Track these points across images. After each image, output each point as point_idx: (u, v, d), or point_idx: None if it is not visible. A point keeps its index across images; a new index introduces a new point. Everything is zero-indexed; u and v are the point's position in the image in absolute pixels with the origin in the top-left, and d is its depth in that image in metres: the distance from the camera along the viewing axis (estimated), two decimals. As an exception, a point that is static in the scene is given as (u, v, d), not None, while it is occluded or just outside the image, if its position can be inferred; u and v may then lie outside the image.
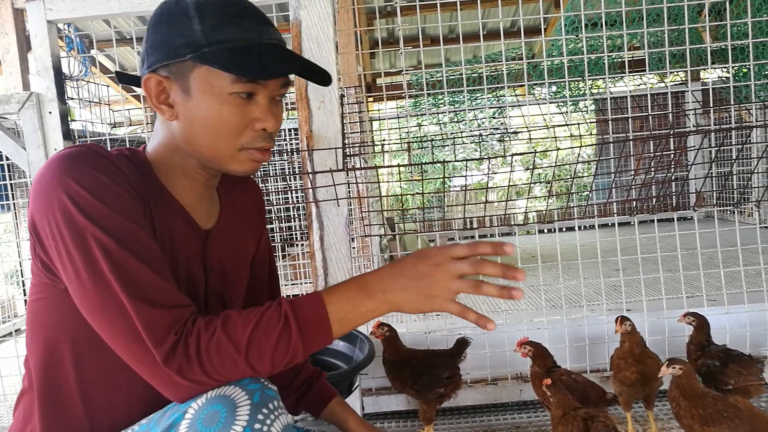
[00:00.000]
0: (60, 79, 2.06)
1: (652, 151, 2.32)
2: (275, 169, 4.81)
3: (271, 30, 0.97)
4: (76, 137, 2.21)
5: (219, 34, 0.91)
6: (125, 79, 1.11)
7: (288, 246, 4.70)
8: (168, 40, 0.93)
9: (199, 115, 0.94)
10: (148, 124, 3.14)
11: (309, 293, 0.93)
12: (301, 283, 3.99)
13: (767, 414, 1.54)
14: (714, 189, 4.40)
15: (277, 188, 4.31)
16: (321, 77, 1.01)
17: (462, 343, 2.02)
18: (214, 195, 1.11)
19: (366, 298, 0.90)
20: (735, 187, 5.06)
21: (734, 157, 5.07)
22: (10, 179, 3.46)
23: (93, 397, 0.95)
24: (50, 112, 2.04)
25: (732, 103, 2.58)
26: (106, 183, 0.89)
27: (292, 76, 1.05)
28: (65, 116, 2.07)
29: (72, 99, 2.20)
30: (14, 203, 3.64)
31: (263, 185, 3.37)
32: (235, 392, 0.86)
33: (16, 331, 3.61)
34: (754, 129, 4.18)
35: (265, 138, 0.98)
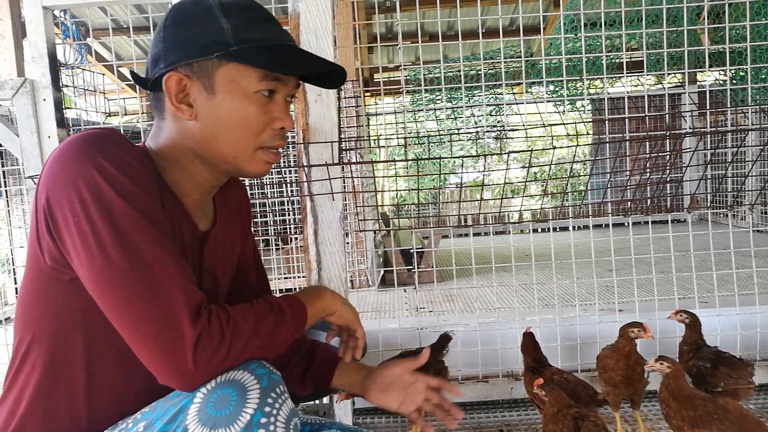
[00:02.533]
0: (55, 65, 2.04)
1: (647, 152, 2.32)
2: (270, 162, 4.78)
3: (287, 33, 1.01)
4: (71, 125, 2.20)
5: (247, 33, 0.94)
6: (138, 80, 1.09)
7: (282, 241, 4.69)
8: (192, 39, 0.93)
9: (223, 113, 0.95)
10: (143, 113, 3.12)
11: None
12: (294, 277, 3.98)
13: (756, 416, 1.55)
14: (708, 192, 4.42)
15: (272, 181, 4.29)
16: (333, 81, 1.06)
17: (445, 338, 2.01)
18: (210, 199, 1.10)
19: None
20: (729, 190, 5.08)
21: (729, 160, 5.08)
22: (3, 166, 3.44)
23: (99, 395, 0.94)
24: (44, 99, 2.02)
25: (728, 106, 2.58)
26: (134, 166, 0.89)
27: None
28: (59, 103, 2.05)
29: (67, 86, 2.18)
30: (6, 190, 3.61)
31: (257, 178, 3.36)
32: (243, 376, 0.86)
33: (6, 319, 3.59)
34: (750, 132, 4.20)
35: (281, 137, 1.01)
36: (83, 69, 2.44)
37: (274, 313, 0.94)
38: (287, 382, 1.13)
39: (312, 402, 1.89)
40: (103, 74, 3.36)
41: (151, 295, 0.83)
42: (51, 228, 0.87)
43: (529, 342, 1.96)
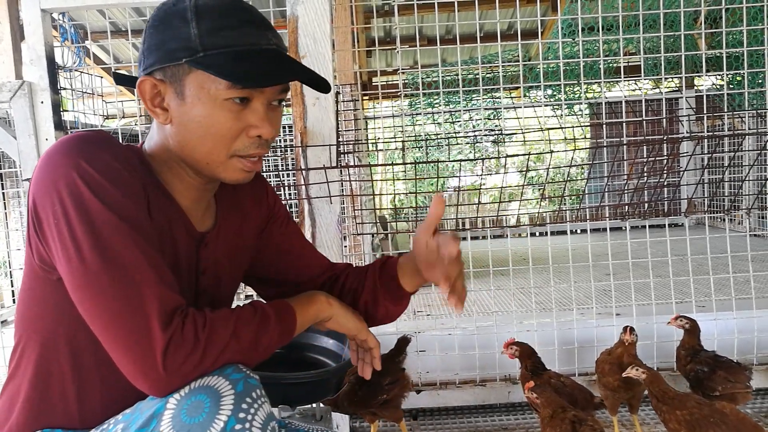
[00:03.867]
0: (53, 68, 2.04)
1: (645, 156, 2.33)
2: (268, 165, 4.80)
3: (270, 35, 0.95)
4: (68, 128, 2.20)
5: (215, 38, 0.90)
6: (123, 81, 1.09)
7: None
8: (164, 43, 0.92)
9: (192, 120, 0.93)
10: (141, 116, 3.12)
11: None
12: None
13: (753, 420, 1.55)
14: (705, 196, 4.43)
15: (270, 184, 4.29)
16: (321, 84, 1.00)
17: (403, 342, 1.94)
18: (211, 199, 1.09)
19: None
20: (726, 195, 5.09)
21: (726, 164, 5.10)
22: (0, 168, 3.43)
23: (89, 392, 0.95)
24: (42, 102, 2.02)
25: (725, 110, 2.59)
26: (118, 169, 0.88)
27: None
28: (57, 106, 2.05)
29: (65, 89, 2.18)
30: (3, 193, 3.61)
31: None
32: (218, 382, 0.85)
33: (2, 322, 3.57)
34: (747, 137, 4.21)
35: (260, 145, 0.97)
36: (81, 72, 2.44)
37: (257, 318, 0.92)
38: (386, 316, 1.14)
39: (309, 406, 1.88)
40: (101, 77, 3.36)
41: (123, 297, 0.83)
42: (37, 229, 0.88)
43: (526, 348, 1.94)
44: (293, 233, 1.25)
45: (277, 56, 0.94)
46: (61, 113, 2.08)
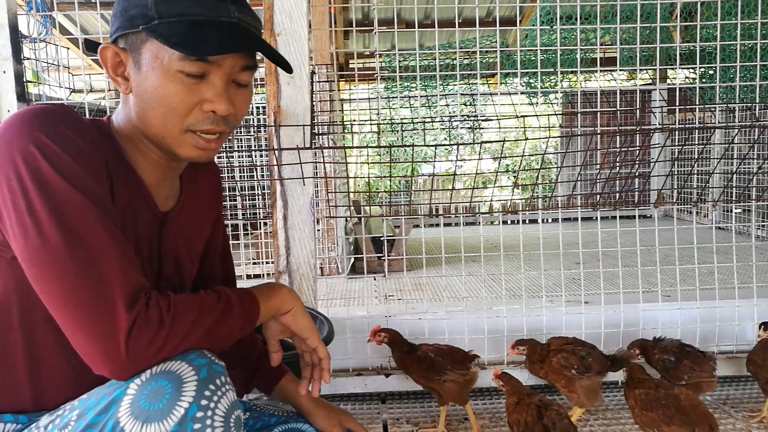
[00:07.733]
0: (16, 37, 1.97)
1: (617, 146, 2.35)
2: (240, 145, 4.72)
3: (232, 8, 0.91)
4: (33, 100, 2.12)
5: (170, 5, 0.87)
6: (94, 48, 1.07)
7: (250, 227, 4.63)
8: (127, 10, 0.89)
9: (146, 90, 0.90)
10: (110, 90, 3.03)
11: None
12: (263, 262, 3.94)
13: (706, 407, 1.60)
14: (674, 188, 4.51)
15: (242, 164, 4.23)
16: (281, 63, 0.98)
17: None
18: (176, 178, 1.06)
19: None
20: (694, 187, 5.20)
21: (695, 157, 5.19)
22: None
23: (43, 376, 0.92)
24: (4, 72, 1.95)
25: (697, 104, 2.62)
26: (78, 143, 0.85)
27: (260, 56, 1.00)
28: (20, 76, 1.98)
29: (28, 59, 2.10)
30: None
31: (227, 160, 3.31)
32: (181, 367, 0.82)
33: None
34: (716, 130, 4.29)
35: (215, 121, 0.92)
36: (47, 42, 2.35)
37: (221, 304, 0.90)
38: (233, 380, 1.14)
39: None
40: (68, 48, 3.25)
41: (85, 276, 0.79)
42: None
43: (394, 333, 1.94)
44: (226, 248, 1.26)
45: (233, 29, 0.90)
46: (25, 84, 2.01)
